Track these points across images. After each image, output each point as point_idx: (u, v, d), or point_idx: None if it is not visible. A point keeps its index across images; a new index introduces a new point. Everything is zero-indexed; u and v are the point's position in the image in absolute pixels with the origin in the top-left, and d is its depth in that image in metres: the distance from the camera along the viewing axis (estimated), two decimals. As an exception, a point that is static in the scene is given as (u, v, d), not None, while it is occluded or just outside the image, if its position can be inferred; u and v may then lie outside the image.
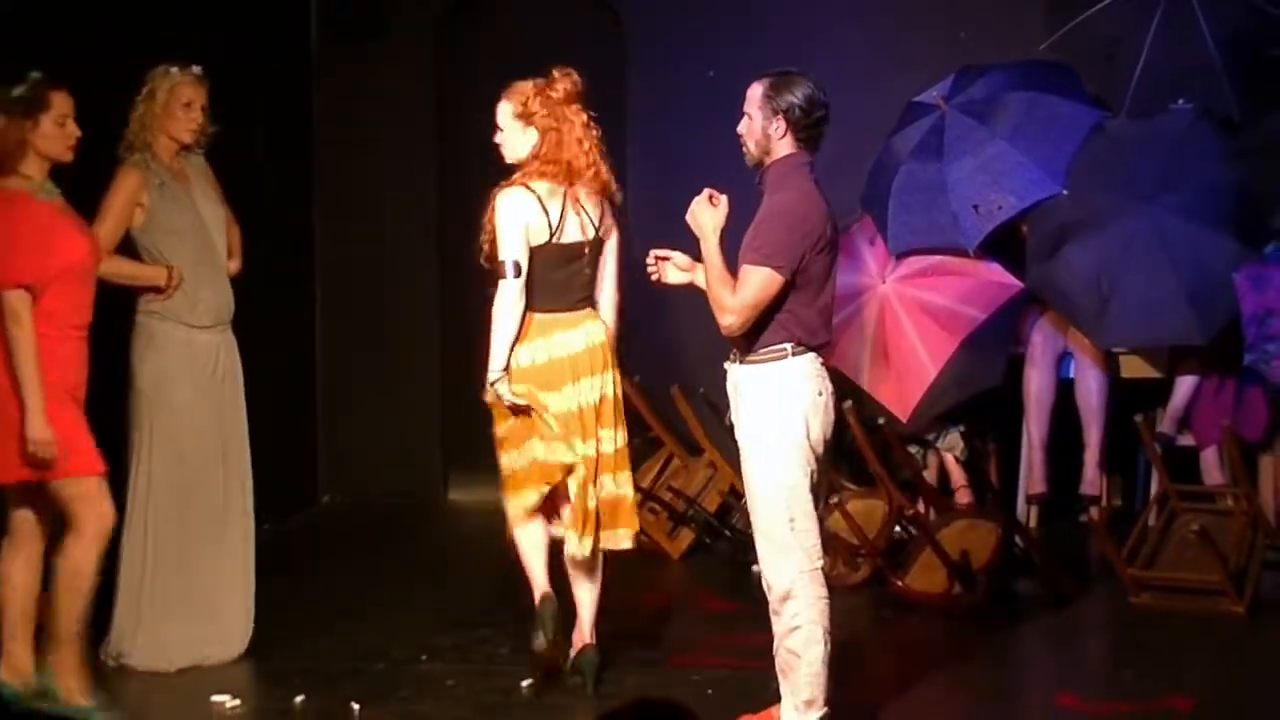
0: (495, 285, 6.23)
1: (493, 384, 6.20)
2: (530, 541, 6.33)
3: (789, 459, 5.36)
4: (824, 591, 5.38)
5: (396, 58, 9.59)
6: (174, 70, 6.45)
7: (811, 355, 5.42)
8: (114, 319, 6.40)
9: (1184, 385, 8.20)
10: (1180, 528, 7.35)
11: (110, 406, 6.45)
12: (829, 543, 7.63)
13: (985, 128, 8.31)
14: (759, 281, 5.35)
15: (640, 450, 8.90)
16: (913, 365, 8.08)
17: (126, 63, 6.57)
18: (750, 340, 5.42)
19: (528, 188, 6.21)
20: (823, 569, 5.42)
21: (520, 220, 6.18)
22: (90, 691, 5.80)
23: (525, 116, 6.28)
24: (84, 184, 6.42)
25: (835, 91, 9.28)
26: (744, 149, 5.66)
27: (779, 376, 5.39)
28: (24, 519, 5.85)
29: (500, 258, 6.19)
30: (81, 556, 5.71)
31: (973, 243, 8.19)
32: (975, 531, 7.44)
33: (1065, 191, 8.18)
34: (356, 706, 5.94)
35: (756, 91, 5.63)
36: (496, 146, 6.34)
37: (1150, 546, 7.40)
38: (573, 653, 6.27)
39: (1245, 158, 8.01)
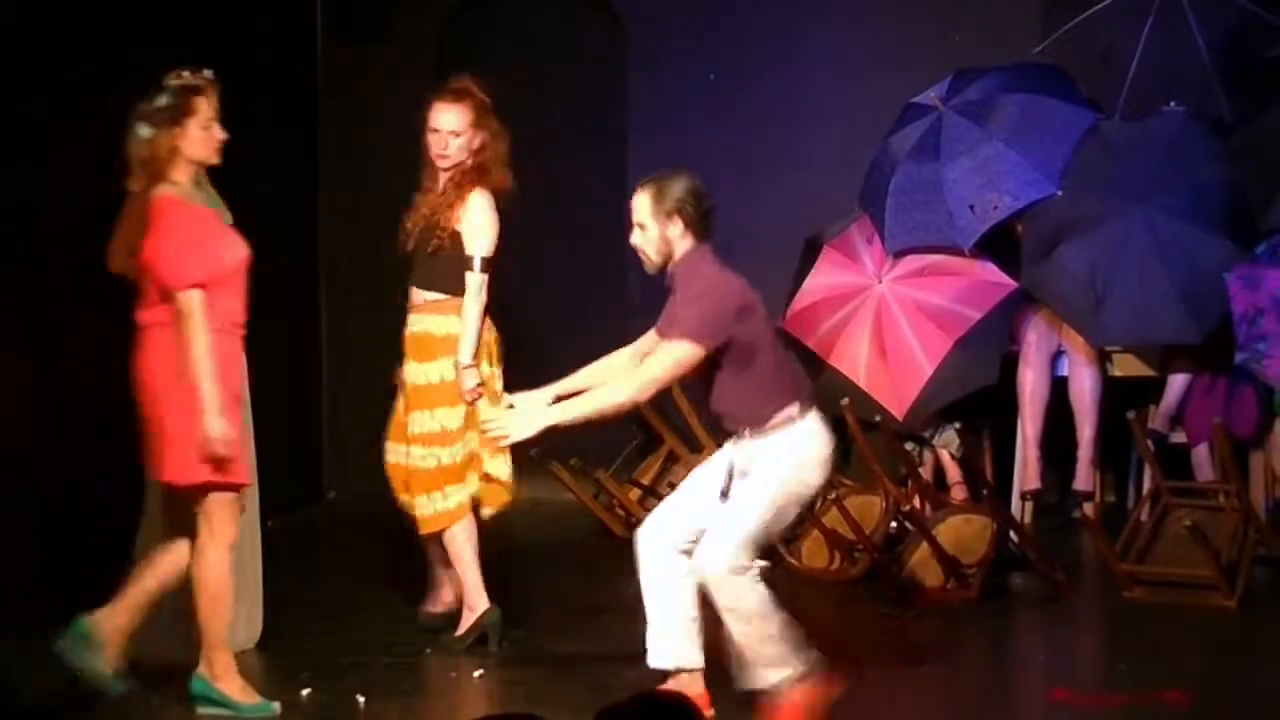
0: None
1: (466, 368, 6.46)
2: (473, 538, 6.64)
3: (789, 499, 5.49)
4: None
5: (400, 61, 9.60)
6: (186, 74, 6.43)
7: (815, 410, 5.52)
8: (124, 319, 6.41)
9: (1176, 383, 8.22)
10: (1172, 523, 7.36)
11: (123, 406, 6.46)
12: (828, 538, 7.68)
13: (981, 129, 8.33)
14: (679, 356, 5.43)
15: (642, 446, 8.93)
16: (909, 363, 8.09)
17: (137, 67, 6.56)
18: (757, 414, 5.49)
19: (489, 190, 6.58)
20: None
21: (496, 220, 6.52)
22: (249, 690, 5.83)
23: (479, 124, 6.63)
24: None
25: (834, 93, 9.42)
26: (644, 260, 5.62)
27: (798, 438, 5.48)
28: (184, 515, 5.88)
29: (478, 254, 6.50)
30: (220, 563, 5.74)
31: (968, 242, 8.21)
32: (970, 527, 7.45)
33: (1060, 192, 8.20)
34: (361, 699, 5.95)
35: (643, 202, 5.60)
36: (462, 150, 6.62)
37: (1143, 542, 7.41)
38: (475, 618, 6.55)
39: (1236, 159, 8.03)
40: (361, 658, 6.50)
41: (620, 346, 6.03)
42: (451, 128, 6.63)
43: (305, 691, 6.08)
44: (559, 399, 5.69)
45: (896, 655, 6.37)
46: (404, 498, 6.69)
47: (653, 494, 8.30)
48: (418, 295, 6.67)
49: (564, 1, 9.90)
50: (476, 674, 6.26)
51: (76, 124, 6.72)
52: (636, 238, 5.61)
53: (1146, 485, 8.05)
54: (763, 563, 5.65)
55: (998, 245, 8.30)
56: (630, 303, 9.55)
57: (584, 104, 10.02)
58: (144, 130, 5.71)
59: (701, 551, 5.43)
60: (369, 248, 9.55)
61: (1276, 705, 5.99)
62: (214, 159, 5.83)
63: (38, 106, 6.70)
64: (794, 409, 5.49)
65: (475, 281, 6.49)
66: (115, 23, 7.18)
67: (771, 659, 5.42)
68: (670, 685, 5.57)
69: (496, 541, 8.67)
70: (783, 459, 5.48)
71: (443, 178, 6.67)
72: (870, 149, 8.66)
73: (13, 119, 6.68)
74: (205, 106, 5.76)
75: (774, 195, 9.14)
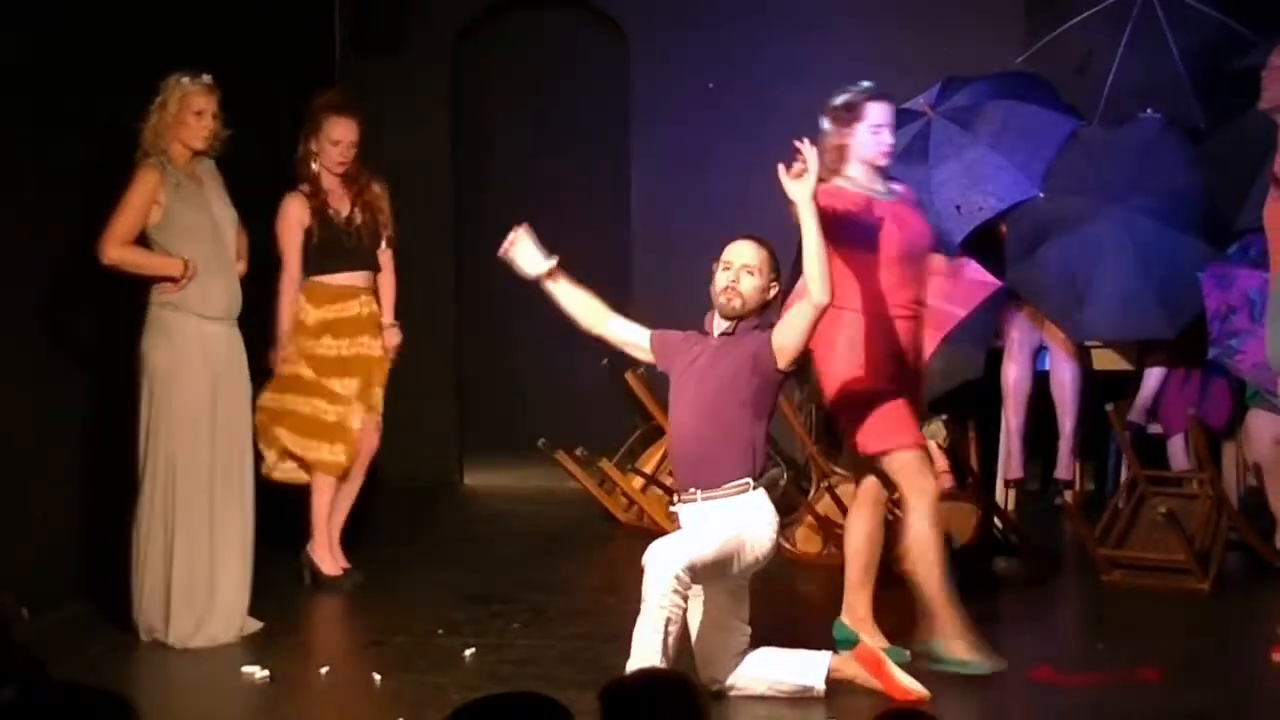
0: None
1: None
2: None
3: (738, 545, 5.48)
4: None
5: (416, 72, 9.63)
6: (185, 79, 6.40)
7: (762, 490, 5.57)
8: (128, 309, 6.44)
9: (1152, 377, 8.23)
10: (1149, 510, 7.37)
11: (123, 391, 6.49)
12: (821, 525, 7.70)
13: (968, 133, 8.34)
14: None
15: (644, 436, 8.96)
16: (898, 358, 8.10)
17: (163, 73, 6.59)
18: (719, 470, 5.53)
19: None
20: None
21: None
22: (975, 646, 5.84)
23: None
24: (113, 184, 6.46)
25: (829, 98, 9.40)
26: (731, 300, 5.63)
27: (743, 508, 5.52)
28: (869, 484, 6.06)
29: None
30: (917, 527, 5.83)
31: (955, 241, 8.22)
32: (956, 513, 7.46)
33: (1042, 194, 8.22)
34: (378, 677, 5.96)
35: (762, 254, 5.68)
36: (355, 156, 7.28)
37: (1121, 528, 7.42)
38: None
39: (1210, 163, 8.04)
40: (378, 637, 6.53)
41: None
42: (354, 139, 7.23)
43: (324, 669, 6.10)
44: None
45: (883, 636, 6.39)
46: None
47: (654, 482, 8.32)
48: (362, 278, 7.29)
49: (570, 15, 9.92)
50: (468, 653, 6.27)
51: (90, 128, 6.76)
52: (742, 280, 5.61)
53: (1124, 474, 8.07)
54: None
55: (982, 245, 8.32)
56: (631, 302, 9.57)
57: (589, 111, 10.05)
58: (824, 124, 5.87)
59: (650, 553, 5.37)
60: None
61: (1245, 683, 6.02)
62: (881, 160, 5.89)
63: (53, 114, 6.71)
64: (748, 485, 5.53)
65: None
66: (133, 29, 7.18)
67: (640, 648, 5.33)
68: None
69: (504, 528, 8.74)
70: (733, 516, 5.51)
71: (331, 181, 7.25)
72: (862, 153, 8.66)
73: (33, 122, 6.69)
74: (877, 113, 5.84)
75: (770, 198, 9.13)
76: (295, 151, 7.29)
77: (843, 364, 5.87)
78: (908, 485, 5.86)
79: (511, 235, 5.82)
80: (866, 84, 5.94)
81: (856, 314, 5.85)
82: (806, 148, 5.50)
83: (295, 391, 7.16)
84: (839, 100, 5.90)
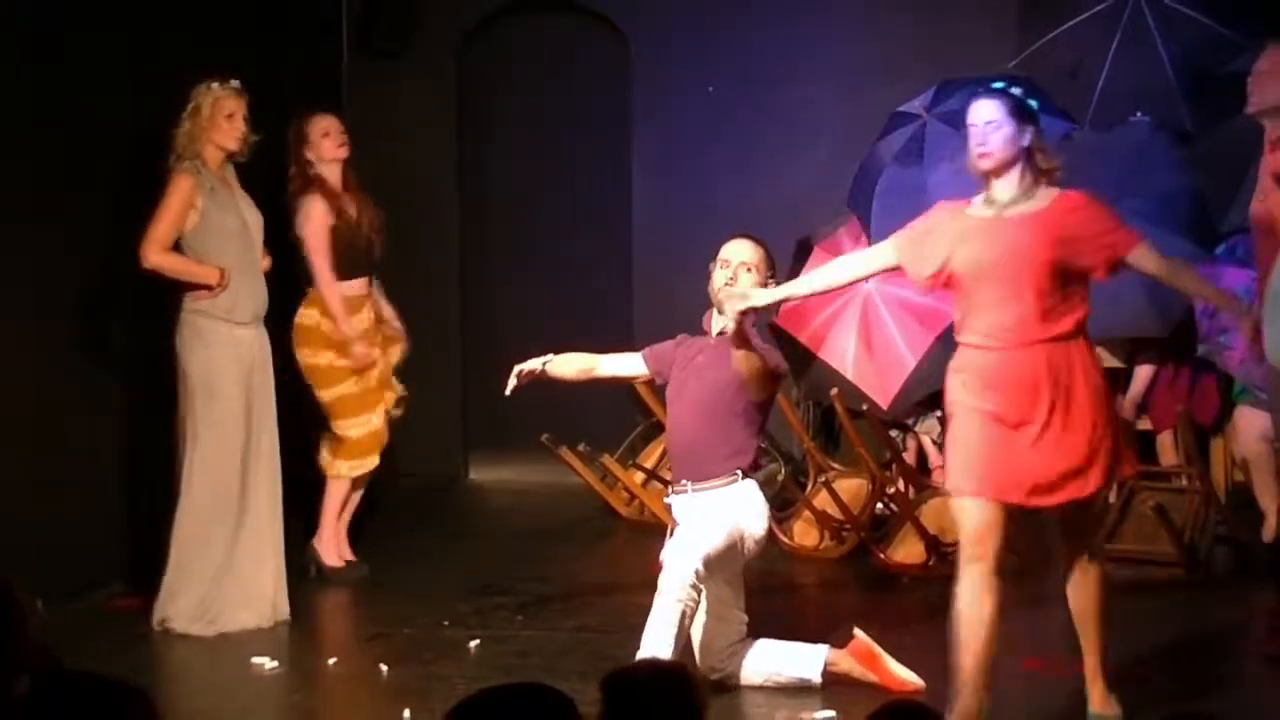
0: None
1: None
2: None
3: (737, 532, 5.55)
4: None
5: (420, 75, 9.65)
6: (215, 85, 6.50)
7: (752, 481, 5.65)
8: (166, 316, 6.47)
9: (1142, 373, 8.24)
10: (1138, 505, 7.40)
11: (160, 395, 6.52)
12: (818, 519, 7.72)
13: (962, 135, 8.33)
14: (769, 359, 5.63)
15: (645, 432, 8.98)
16: (893, 357, 8.11)
17: (165, 78, 6.62)
18: (710, 463, 5.61)
19: None
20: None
21: None
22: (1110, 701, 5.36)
23: None
24: (136, 187, 6.48)
25: (827, 101, 9.45)
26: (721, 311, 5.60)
27: (733, 497, 5.60)
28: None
29: None
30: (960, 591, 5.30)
31: (950, 242, 8.22)
32: (950, 509, 7.47)
33: (1035, 196, 8.21)
34: (384, 668, 6.00)
35: (759, 253, 5.70)
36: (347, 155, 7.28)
37: (1111, 522, 7.44)
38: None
39: (1198, 166, 8.05)
40: (384, 629, 6.55)
41: (625, 341, 6.09)
42: (341, 127, 7.30)
43: (332, 660, 6.14)
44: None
45: (880, 627, 6.41)
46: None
47: (655, 477, 8.34)
48: (366, 285, 7.29)
49: (572, 18, 9.93)
50: (473, 644, 6.30)
51: (95, 130, 6.78)
52: (740, 277, 5.62)
53: (1114, 469, 8.08)
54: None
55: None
56: (631, 302, 9.58)
57: (591, 114, 10.06)
58: None
59: (669, 550, 5.46)
60: (392, 242, 9.59)
61: (1233, 672, 6.04)
62: (980, 164, 5.17)
63: (54, 114, 6.74)
64: (736, 475, 5.61)
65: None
66: (145, 34, 7.20)
67: (654, 637, 5.34)
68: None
69: (508, 522, 8.76)
70: (727, 507, 5.58)
71: (335, 182, 7.21)
72: (859, 155, 8.68)
73: (32, 123, 6.71)
74: (970, 112, 5.19)
75: (769, 200, 9.17)
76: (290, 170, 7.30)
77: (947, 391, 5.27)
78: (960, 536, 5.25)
79: (514, 378, 5.90)
80: (997, 84, 5.33)
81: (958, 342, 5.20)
82: (729, 295, 5.33)
83: (358, 413, 7.31)
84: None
